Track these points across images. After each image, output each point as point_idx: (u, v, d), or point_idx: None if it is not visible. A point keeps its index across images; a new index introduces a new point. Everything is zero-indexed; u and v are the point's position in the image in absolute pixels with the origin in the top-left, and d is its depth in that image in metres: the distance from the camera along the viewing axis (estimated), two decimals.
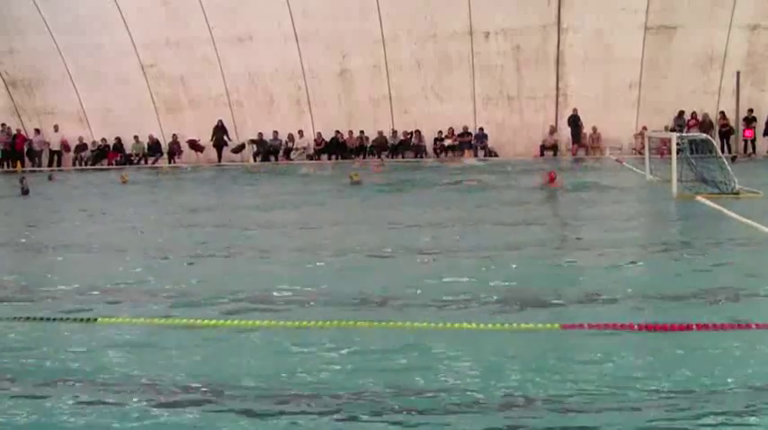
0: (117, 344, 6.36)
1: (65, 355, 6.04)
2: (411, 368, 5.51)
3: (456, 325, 6.55)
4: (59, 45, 29.14)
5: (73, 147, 30.88)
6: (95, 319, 7.04)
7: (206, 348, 6.23)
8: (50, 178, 25.24)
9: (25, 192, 19.82)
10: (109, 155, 30.74)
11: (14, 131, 30.73)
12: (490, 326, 6.54)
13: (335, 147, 29.85)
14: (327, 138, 29.80)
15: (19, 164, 30.07)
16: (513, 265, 9.37)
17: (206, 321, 6.91)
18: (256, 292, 8.08)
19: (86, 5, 28.28)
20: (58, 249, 11.54)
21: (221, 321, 6.94)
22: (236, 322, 6.93)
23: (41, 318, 7.14)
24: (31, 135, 30.70)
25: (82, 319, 7.05)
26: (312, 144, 30.03)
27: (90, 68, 29.35)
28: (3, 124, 30.66)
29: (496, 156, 28.66)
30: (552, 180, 17.55)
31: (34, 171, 29.35)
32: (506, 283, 8.24)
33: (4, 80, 30.64)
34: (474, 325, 6.53)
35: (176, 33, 28.56)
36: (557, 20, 27.28)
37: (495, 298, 7.55)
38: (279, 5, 27.71)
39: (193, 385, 5.24)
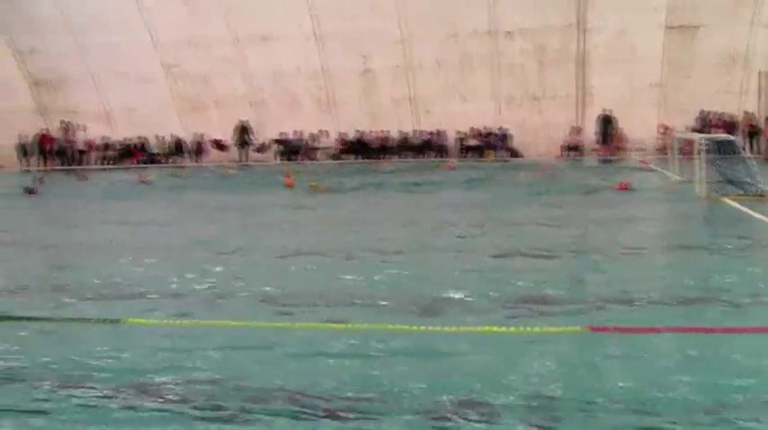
0: (148, 345, 6.37)
1: (92, 357, 6.06)
2: (438, 372, 5.59)
3: (480, 328, 6.59)
4: (81, 44, 29.55)
5: (97, 147, 31.43)
6: (119, 320, 7.04)
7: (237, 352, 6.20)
8: (81, 177, 25.66)
9: (31, 191, 20.38)
10: (133, 154, 31.16)
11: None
12: (512, 329, 6.54)
13: (359, 147, 30.05)
14: (347, 137, 30.04)
15: (44, 162, 30.69)
16: (540, 267, 9.44)
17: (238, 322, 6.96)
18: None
19: (106, 4, 28.73)
20: (74, 249, 11.92)
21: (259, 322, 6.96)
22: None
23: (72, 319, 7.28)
24: (56, 134, 31.22)
25: (105, 320, 7.08)
26: (335, 144, 30.26)
27: (112, 68, 29.75)
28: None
29: (521, 156, 28.76)
30: (625, 188, 17.54)
31: (60, 170, 29.88)
32: (532, 285, 8.33)
33: (28, 80, 31.25)
34: (498, 328, 6.56)
35: (198, 33, 28.82)
36: (579, 19, 27.43)
37: (518, 300, 7.63)
38: (299, 5, 27.99)
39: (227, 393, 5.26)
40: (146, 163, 30.60)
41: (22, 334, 6.86)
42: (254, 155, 30.41)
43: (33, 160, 31.11)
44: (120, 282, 8.90)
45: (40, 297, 8.37)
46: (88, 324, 7.05)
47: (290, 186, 20.33)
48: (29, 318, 7.26)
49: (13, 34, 30.35)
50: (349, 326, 6.82)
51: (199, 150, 30.86)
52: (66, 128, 31.07)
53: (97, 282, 8.96)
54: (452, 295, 7.88)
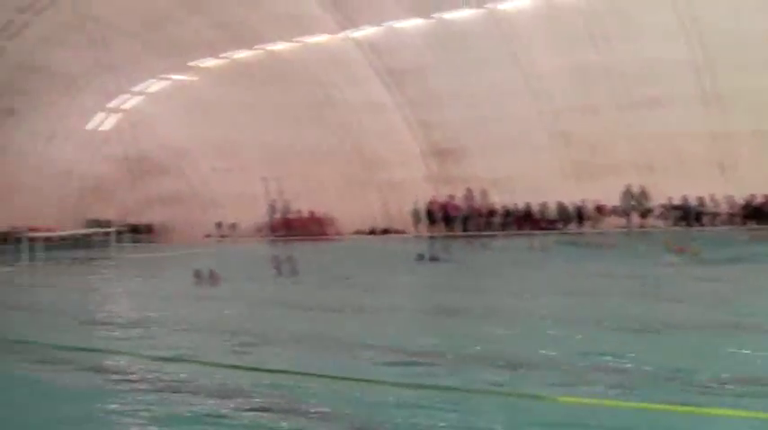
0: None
1: None
2: None
3: None
4: (474, 116, 32.40)
5: (488, 213, 33.83)
6: (546, 398, 6.80)
7: None
8: (474, 244, 28.13)
9: (432, 258, 22.08)
10: (523, 221, 33.11)
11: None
12: None
13: (757, 212, 29.34)
14: (743, 202, 29.54)
15: (437, 228, 33.77)
16: None
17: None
18: None
19: (500, 77, 31.08)
20: (486, 316, 11.90)
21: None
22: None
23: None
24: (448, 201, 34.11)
25: (536, 396, 6.86)
26: (727, 208, 29.98)
27: (504, 137, 32.05)
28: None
29: None
30: None
31: (449, 236, 32.77)
32: None
33: (423, 150, 35.13)
34: None
35: (586, 99, 30.30)
36: None
37: None
38: (689, 66, 28.31)
39: None
40: (534, 229, 32.04)
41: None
42: (642, 220, 30.90)
43: (426, 226, 34.27)
44: (535, 353, 8.69)
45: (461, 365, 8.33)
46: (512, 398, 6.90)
47: (681, 253, 20.22)
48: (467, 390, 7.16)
49: (412, 107, 34.35)
50: None
51: (587, 216, 32.03)
52: (470, 195, 33.75)
53: (508, 352, 8.78)
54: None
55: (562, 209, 32.76)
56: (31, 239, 28.46)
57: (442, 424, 6.09)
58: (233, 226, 42.19)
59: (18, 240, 30.72)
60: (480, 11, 30.46)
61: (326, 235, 37.56)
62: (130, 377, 8.14)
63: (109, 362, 9.33)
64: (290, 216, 38.62)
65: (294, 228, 37.79)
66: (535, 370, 7.84)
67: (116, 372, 8.50)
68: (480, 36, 30.97)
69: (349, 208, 37.74)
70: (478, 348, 9.04)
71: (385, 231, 36.65)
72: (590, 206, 32.14)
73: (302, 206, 38.82)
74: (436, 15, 31.29)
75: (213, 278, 18.03)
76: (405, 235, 34.81)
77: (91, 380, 8.21)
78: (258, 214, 39.02)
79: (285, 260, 21.45)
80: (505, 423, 6.12)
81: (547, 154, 32.11)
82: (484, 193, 33.57)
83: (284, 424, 6.30)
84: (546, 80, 31.06)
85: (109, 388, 7.74)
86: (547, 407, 6.51)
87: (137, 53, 36.28)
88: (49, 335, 11.24)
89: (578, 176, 32.10)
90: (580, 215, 32.42)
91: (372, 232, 36.98)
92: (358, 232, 37.48)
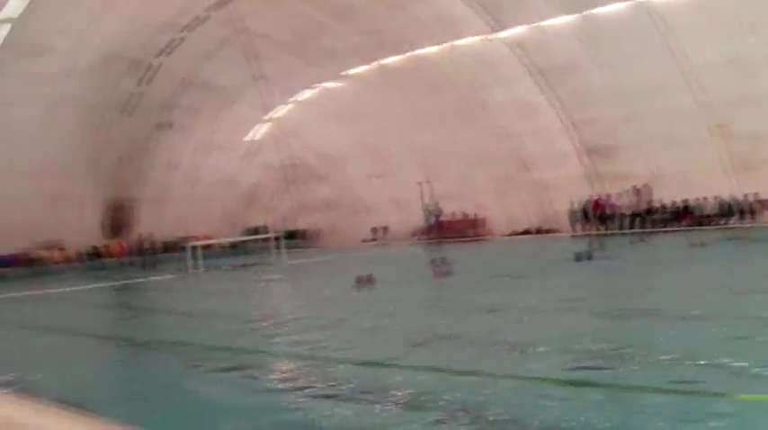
0: None
1: None
2: None
3: None
4: (630, 111, 32.33)
5: (647, 211, 33.79)
6: (726, 395, 6.67)
7: None
8: (634, 241, 27.86)
9: (588, 257, 21.68)
10: (682, 216, 32.85)
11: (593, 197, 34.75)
12: None
13: None
14: None
15: (596, 227, 33.91)
16: None
17: None
18: None
19: (654, 71, 30.84)
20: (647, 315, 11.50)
21: None
22: None
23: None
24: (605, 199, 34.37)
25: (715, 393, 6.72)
26: None
27: (660, 131, 31.79)
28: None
29: None
30: None
31: (607, 234, 32.95)
32: None
33: (578, 148, 35.36)
34: None
35: (747, 90, 29.49)
36: None
37: None
38: None
39: None
40: (695, 225, 31.74)
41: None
42: None
43: (584, 225, 34.48)
44: (708, 352, 8.44)
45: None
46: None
47: None
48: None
49: (565, 105, 34.61)
50: None
51: (752, 210, 31.43)
52: (638, 192, 33.78)
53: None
54: None
55: (723, 203, 32.25)
56: (194, 247, 29.98)
57: (617, 423, 6.25)
58: (387, 229, 43.35)
59: (182, 249, 32.38)
60: (630, 3, 30.37)
61: (480, 236, 38.21)
62: (303, 383, 8.43)
63: (279, 365, 9.95)
64: (444, 218, 39.37)
65: (448, 231, 38.61)
66: (712, 369, 7.74)
67: (289, 378, 8.89)
68: (631, 30, 30.83)
69: (503, 208, 38.36)
70: (649, 348, 8.88)
71: (540, 231, 37.01)
72: (756, 199, 31.45)
73: (455, 208, 39.56)
74: (585, 11, 31.34)
75: (370, 281, 18.87)
76: (560, 234, 35.05)
77: (263, 385, 8.61)
78: (411, 218, 39.99)
79: (442, 262, 22.06)
80: (685, 419, 6.18)
81: (705, 147, 31.48)
82: (647, 189, 33.46)
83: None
84: (702, 71, 30.50)
85: (280, 395, 8.04)
86: (727, 405, 6.44)
87: (290, 64, 37.87)
88: (221, 340, 12.05)
89: (738, 169, 31.46)
90: (742, 209, 31.76)
91: (527, 232, 37.40)
92: (512, 233, 37.96)
